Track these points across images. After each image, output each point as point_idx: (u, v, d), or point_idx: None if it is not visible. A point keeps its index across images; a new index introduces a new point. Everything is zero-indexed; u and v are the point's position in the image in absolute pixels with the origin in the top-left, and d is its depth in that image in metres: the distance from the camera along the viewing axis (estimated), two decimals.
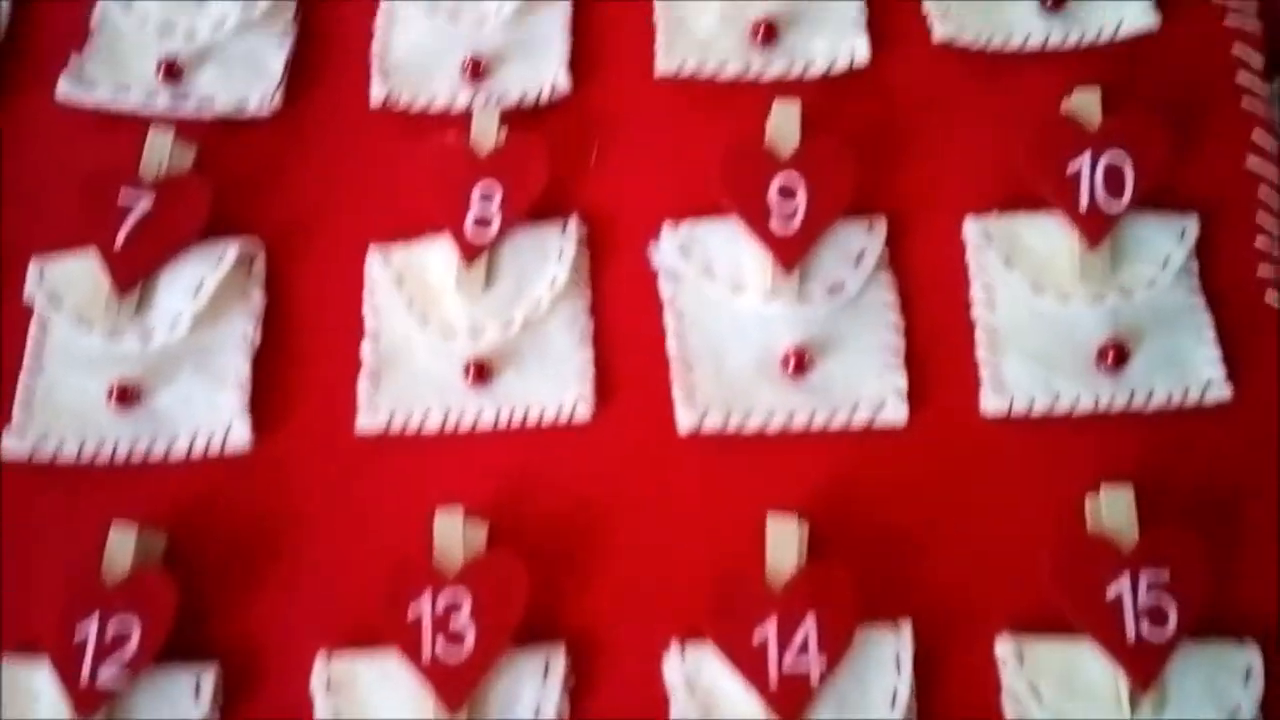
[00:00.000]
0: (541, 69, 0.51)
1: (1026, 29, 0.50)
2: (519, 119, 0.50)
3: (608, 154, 0.50)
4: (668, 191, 0.49)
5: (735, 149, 0.48)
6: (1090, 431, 0.46)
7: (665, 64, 0.50)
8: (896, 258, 0.48)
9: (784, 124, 0.48)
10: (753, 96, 0.50)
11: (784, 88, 0.50)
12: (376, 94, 0.51)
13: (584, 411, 0.47)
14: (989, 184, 0.49)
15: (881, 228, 0.48)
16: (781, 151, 0.48)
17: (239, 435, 0.47)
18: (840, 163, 0.47)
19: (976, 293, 0.48)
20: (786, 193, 0.47)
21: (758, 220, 0.47)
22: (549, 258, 0.48)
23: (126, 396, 0.47)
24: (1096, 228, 0.47)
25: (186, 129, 0.51)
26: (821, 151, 0.47)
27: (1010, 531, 0.45)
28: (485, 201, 0.48)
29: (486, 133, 0.50)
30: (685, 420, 0.46)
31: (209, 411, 0.47)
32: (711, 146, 0.49)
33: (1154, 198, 0.47)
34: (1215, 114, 0.50)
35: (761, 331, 0.47)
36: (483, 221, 0.47)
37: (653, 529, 0.46)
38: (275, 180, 0.51)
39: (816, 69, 0.50)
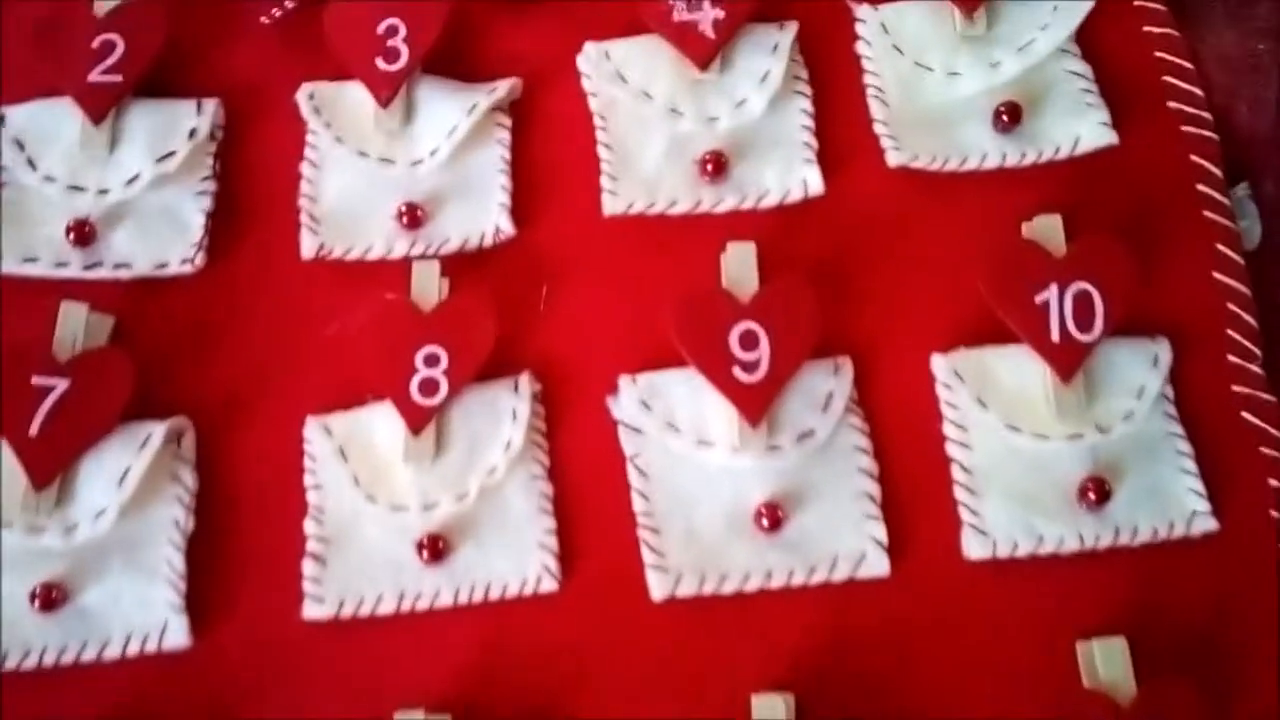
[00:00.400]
0: (482, 212, 0.49)
1: (981, 150, 0.49)
2: (461, 266, 0.48)
3: (557, 300, 0.48)
4: (624, 339, 0.47)
5: (691, 295, 0.45)
6: (1076, 570, 0.45)
7: (613, 205, 0.48)
8: (865, 398, 0.46)
9: (740, 266, 0.46)
10: (706, 232, 0.48)
11: (737, 220, 0.48)
12: (307, 246, 0.48)
13: (549, 583, 0.44)
14: (954, 315, 0.47)
15: (848, 369, 0.46)
16: (740, 294, 0.45)
17: (176, 634, 0.43)
18: (801, 305, 0.45)
19: (950, 431, 0.46)
20: (748, 341, 0.45)
21: (720, 372, 0.44)
22: (502, 420, 0.45)
23: (51, 598, 0.43)
24: (1069, 361, 0.45)
25: (102, 295, 0.48)
26: (781, 294, 0.45)
27: (1000, 675, 0.44)
28: (430, 366, 0.45)
29: (428, 289, 0.47)
30: (658, 588, 0.43)
31: (141, 610, 0.43)
32: (667, 288, 0.47)
33: (1122, 320, 0.47)
34: (1178, 226, 0.49)
35: (731, 486, 0.45)
36: (429, 387, 0.45)
37: (629, 705, 0.43)
38: (202, 346, 0.48)
39: (770, 200, 0.48)
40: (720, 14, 0.49)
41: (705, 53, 0.49)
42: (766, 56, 0.50)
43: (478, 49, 0.52)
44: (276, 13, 0.51)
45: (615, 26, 0.51)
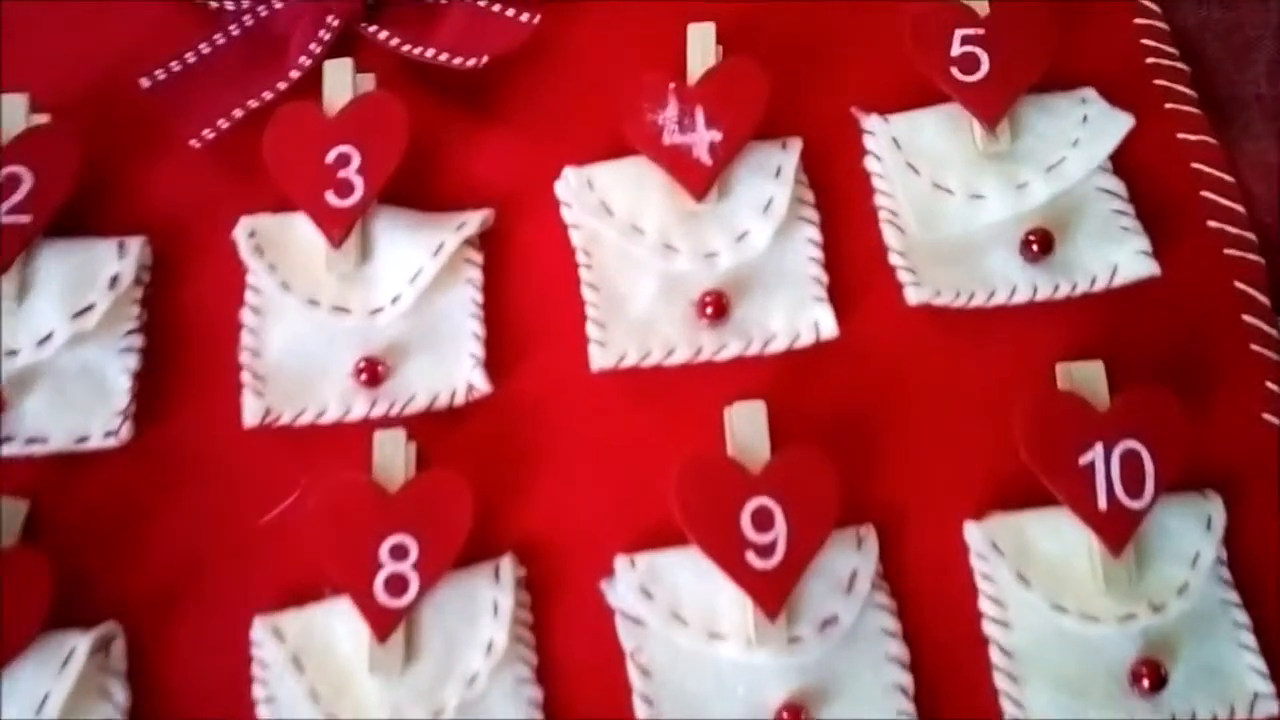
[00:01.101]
0: (452, 366, 0.43)
1: (1010, 282, 0.44)
2: (430, 428, 0.42)
3: (542, 470, 0.42)
4: (619, 513, 0.41)
5: (696, 465, 0.40)
6: None
7: (603, 357, 0.42)
8: (891, 572, 0.41)
9: (749, 429, 0.41)
10: (708, 383, 0.43)
11: (742, 368, 0.43)
12: (251, 411, 0.42)
13: None
14: (987, 473, 0.42)
15: (872, 542, 0.41)
16: (750, 463, 0.40)
17: None
18: (820, 475, 0.40)
19: (987, 608, 0.41)
20: (762, 520, 0.39)
21: (732, 557, 0.39)
22: (481, 616, 0.39)
23: None
24: (1119, 532, 0.40)
25: (13, 476, 0.41)
26: (797, 464, 0.40)
27: None
28: (398, 558, 0.40)
29: (392, 462, 0.41)
30: None
31: None
32: (666, 453, 0.41)
33: (1173, 481, 0.41)
34: (1224, 363, 0.44)
35: (747, 685, 0.39)
36: (396, 585, 0.38)
37: None
38: (131, 534, 0.41)
39: (777, 345, 0.43)
40: (717, 136, 0.43)
41: (701, 182, 0.43)
42: (769, 182, 0.44)
43: (443, 174, 0.46)
44: (209, 134, 0.45)
45: (598, 147, 0.45)
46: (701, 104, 0.44)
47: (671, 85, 0.44)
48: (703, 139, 0.43)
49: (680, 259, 0.43)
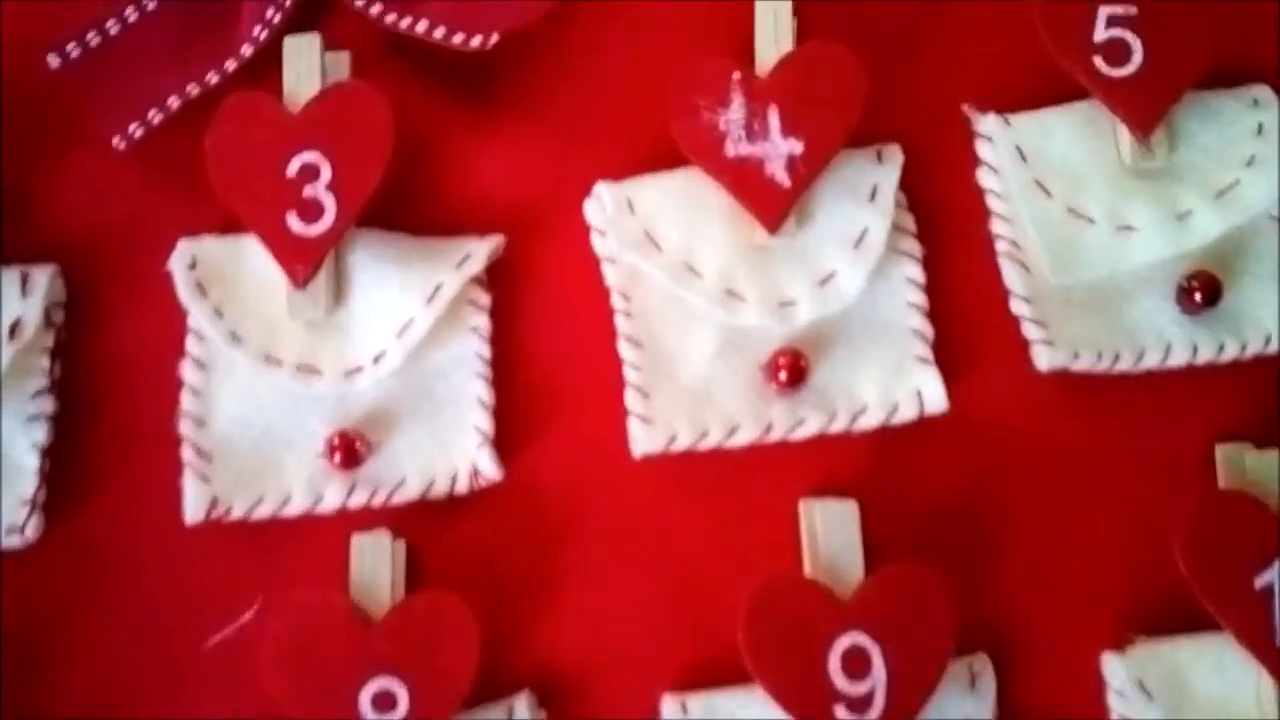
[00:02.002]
0: (452, 442, 0.33)
1: (1163, 339, 0.34)
2: (422, 523, 0.33)
3: (567, 580, 0.33)
4: (665, 639, 0.32)
5: (767, 594, 0.30)
6: None
7: (647, 440, 0.33)
8: (1009, 712, 0.33)
9: (837, 540, 0.32)
10: (780, 469, 0.33)
11: (824, 450, 0.33)
12: (194, 501, 0.32)
13: None
14: (1131, 592, 0.33)
15: (988, 680, 0.32)
16: (837, 587, 0.31)
17: None
18: (931, 604, 0.31)
19: None
20: (855, 663, 0.30)
21: (816, 710, 0.30)
22: None
23: None
24: None
25: None
26: (901, 587, 0.31)
27: None
28: (382, 711, 0.31)
29: (375, 579, 0.31)
30: None
31: None
32: (725, 562, 0.33)
33: None
34: None
35: None
36: None
37: None
38: (43, 657, 0.32)
39: (870, 420, 0.33)
40: (796, 148, 0.33)
41: (776, 210, 0.33)
42: (861, 207, 0.34)
43: (439, 186, 0.36)
44: (136, 130, 0.34)
45: (639, 153, 0.35)
46: (776, 103, 0.34)
47: (736, 75, 0.34)
48: (778, 151, 0.33)
49: (747, 310, 0.33)
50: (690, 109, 0.34)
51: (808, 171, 0.33)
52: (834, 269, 0.34)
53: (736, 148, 0.34)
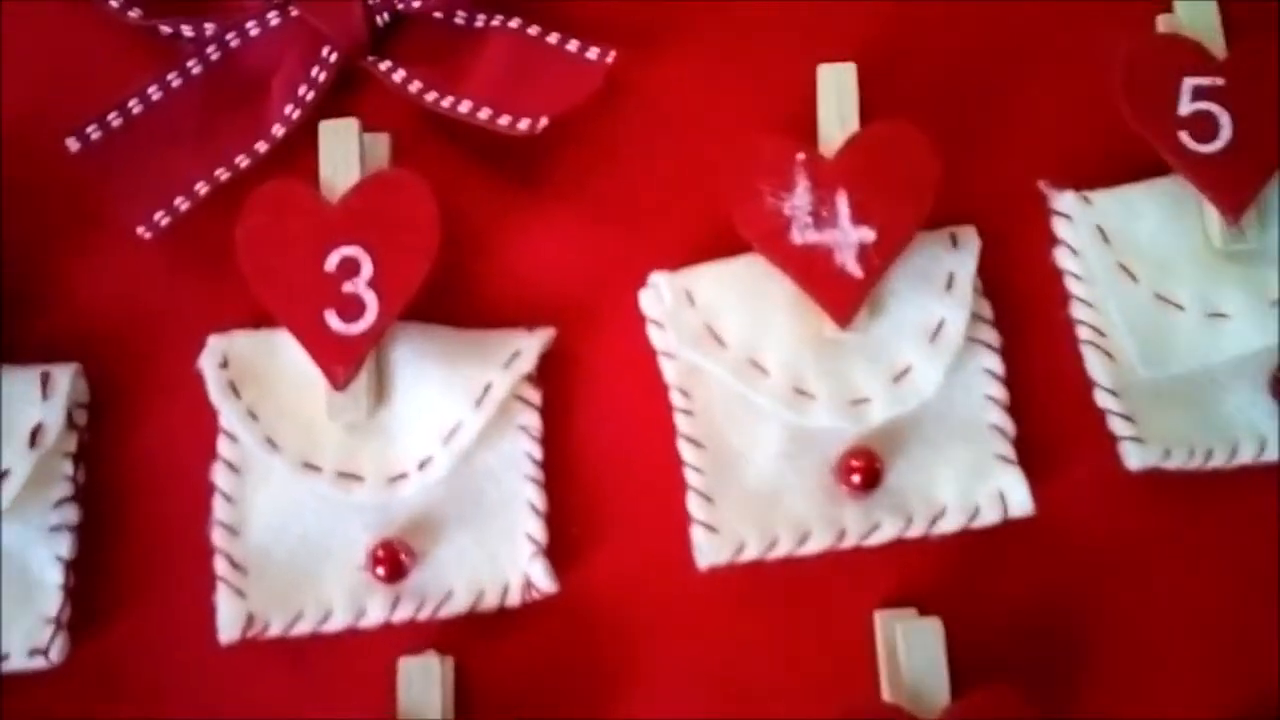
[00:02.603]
0: (503, 552, 0.31)
1: (1256, 434, 0.32)
2: (471, 638, 0.31)
3: (627, 701, 0.30)
4: None
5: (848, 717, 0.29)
6: None
7: (712, 551, 0.30)
8: None
9: (919, 659, 0.29)
10: (854, 580, 0.31)
11: (899, 556, 0.31)
12: (229, 617, 0.30)
13: None
14: (1238, 699, 0.31)
15: None
16: (923, 709, 0.28)
17: None
18: None
19: None
20: None
21: None
22: None
23: None
24: None
25: None
26: (989, 712, 0.29)
27: None
28: None
29: (424, 706, 0.29)
30: None
31: None
32: (797, 682, 0.30)
33: None
34: None
35: None
36: None
37: None
38: None
39: (948, 524, 0.31)
40: (869, 236, 0.31)
41: (849, 303, 0.31)
42: (938, 296, 0.32)
43: (486, 275, 0.34)
44: (162, 219, 0.32)
45: (694, 237, 0.33)
46: (845, 187, 0.32)
47: (800, 157, 0.32)
48: (848, 239, 0.31)
49: (817, 409, 0.31)
50: (751, 193, 0.32)
51: (880, 261, 0.31)
52: (909, 363, 0.32)
53: (803, 235, 0.31)
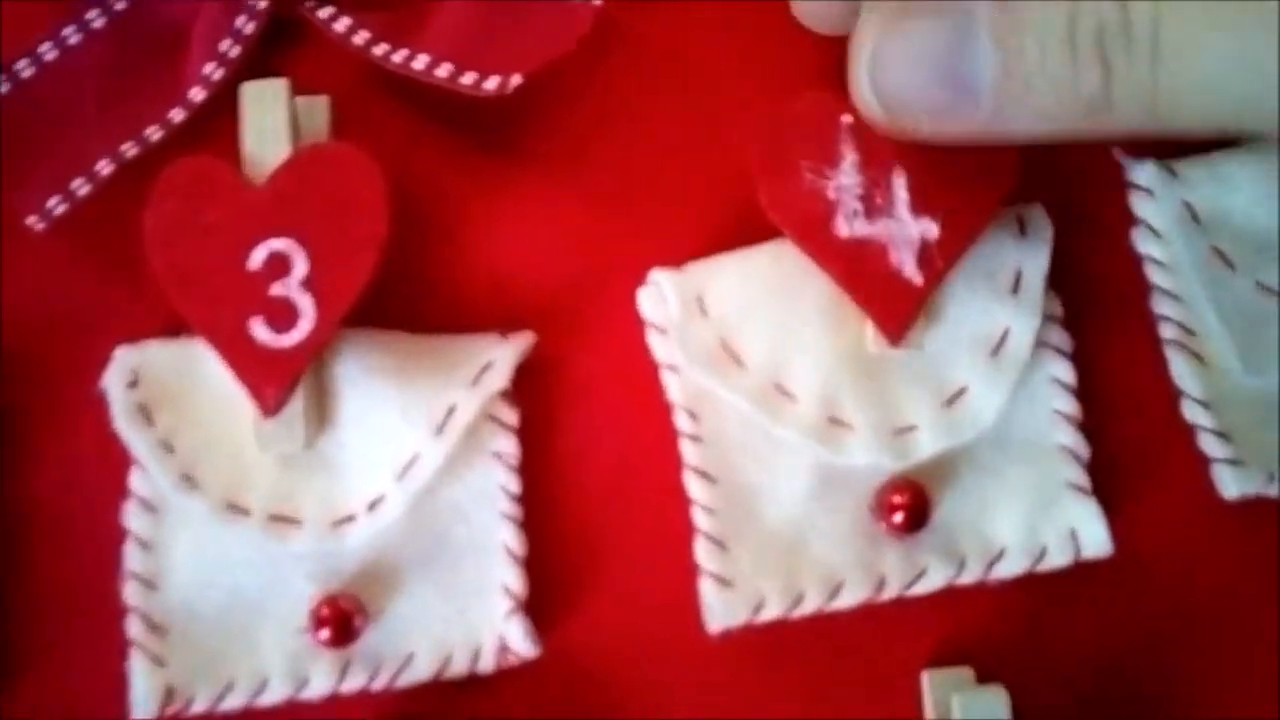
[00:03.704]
0: (473, 606, 0.26)
1: None
2: (435, 708, 0.26)
3: None
4: None
5: None
6: None
7: (726, 609, 0.25)
8: None
9: None
10: (899, 637, 0.26)
11: (953, 608, 0.26)
12: (145, 690, 0.25)
13: None
14: None
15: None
16: None
17: None
18: None
19: None
20: None
21: None
22: None
23: None
24: None
25: None
26: None
27: None
28: None
29: None
30: None
31: None
32: None
33: None
34: None
35: None
36: None
37: None
38: None
39: (1007, 569, 0.26)
40: (932, 230, 0.25)
41: (902, 314, 0.25)
42: (1001, 300, 0.26)
43: (453, 268, 0.28)
44: (56, 206, 0.26)
45: (711, 222, 0.27)
46: (903, 163, 0.25)
47: (846, 120, 0.26)
48: (906, 233, 0.25)
49: (854, 442, 0.25)
50: (785, 167, 0.26)
51: (945, 263, 0.25)
52: (964, 383, 0.26)
53: (851, 226, 0.25)
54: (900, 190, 0.25)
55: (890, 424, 0.26)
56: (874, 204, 0.25)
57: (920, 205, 0.25)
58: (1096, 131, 0.23)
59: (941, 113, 0.23)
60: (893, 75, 0.23)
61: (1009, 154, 0.25)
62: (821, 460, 0.26)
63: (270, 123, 0.26)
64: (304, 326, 0.25)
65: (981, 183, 0.25)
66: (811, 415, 0.25)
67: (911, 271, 0.25)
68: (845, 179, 0.25)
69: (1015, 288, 0.26)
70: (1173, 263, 0.28)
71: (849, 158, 0.25)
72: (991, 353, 0.26)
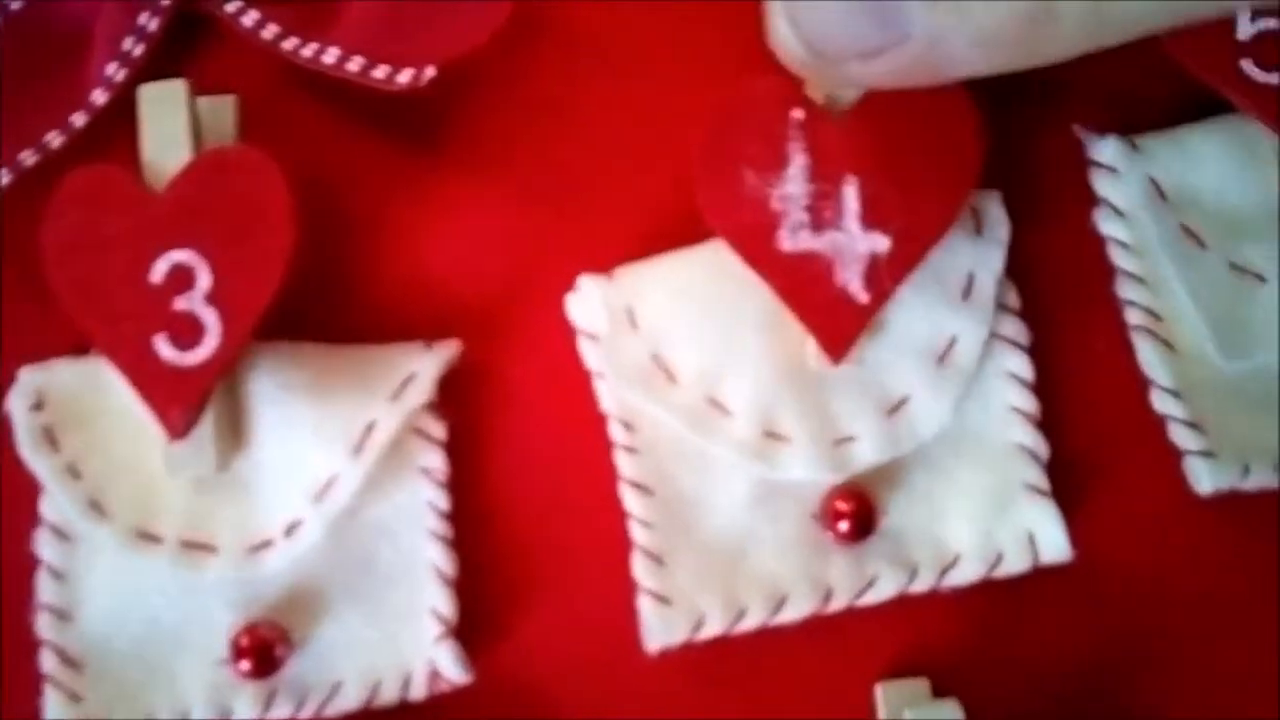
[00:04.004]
0: (402, 631, 0.24)
1: None
2: None
3: None
4: None
5: None
6: None
7: (664, 628, 0.23)
8: None
9: None
10: (849, 650, 0.24)
11: (904, 618, 0.24)
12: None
13: None
14: None
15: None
16: None
17: None
18: None
19: None
20: None
21: None
22: None
23: None
24: None
25: None
26: None
27: None
28: None
29: None
30: None
31: None
32: None
33: None
34: None
35: None
36: None
37: None
38: None
39: (962, 576, 0.24)
40: (882, 245, 0.23)
41: (845, 333, 0.23)
42: (951, 305, 0.24)
43: (373, 275, 0.26)
44: None
45: (647, 221, 0.26)
46: (856, 170, 0.24)
47: (796, 115, 0.24)
48: (855, 249, 0.24)
49: (791, 455, 0.24)
50: (727, 170, 0.24)
51: (893, 282, 0.24)
52: (907, 392, 0.24)
53: (795, 239, 0.24)
54: (851, 200, 0.24)
55: (829, 435, 0.24)
56: (822, 216, 0.24)
57: (871, 217, 0.24)
58: (1039, 52, 0.21)
59: (870, 49, 0.21)
60: (815, 10, 0.21)
61: (970, 155, 0.24)
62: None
63: (170, 127, 0.25)
64: (209, 343, 0.24)
65: (938, 192, 0.24)
66: (747, 431, 0.24)
67: (857, 289, 0.23)
68: (792, 187, 0.24)
69: (967, 292, 0.25)
70: (1139, 244, 0.26)
71: (797, 161, 0.24)
72: (937, 361, 0.24)
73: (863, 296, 0.23)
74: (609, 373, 0.24)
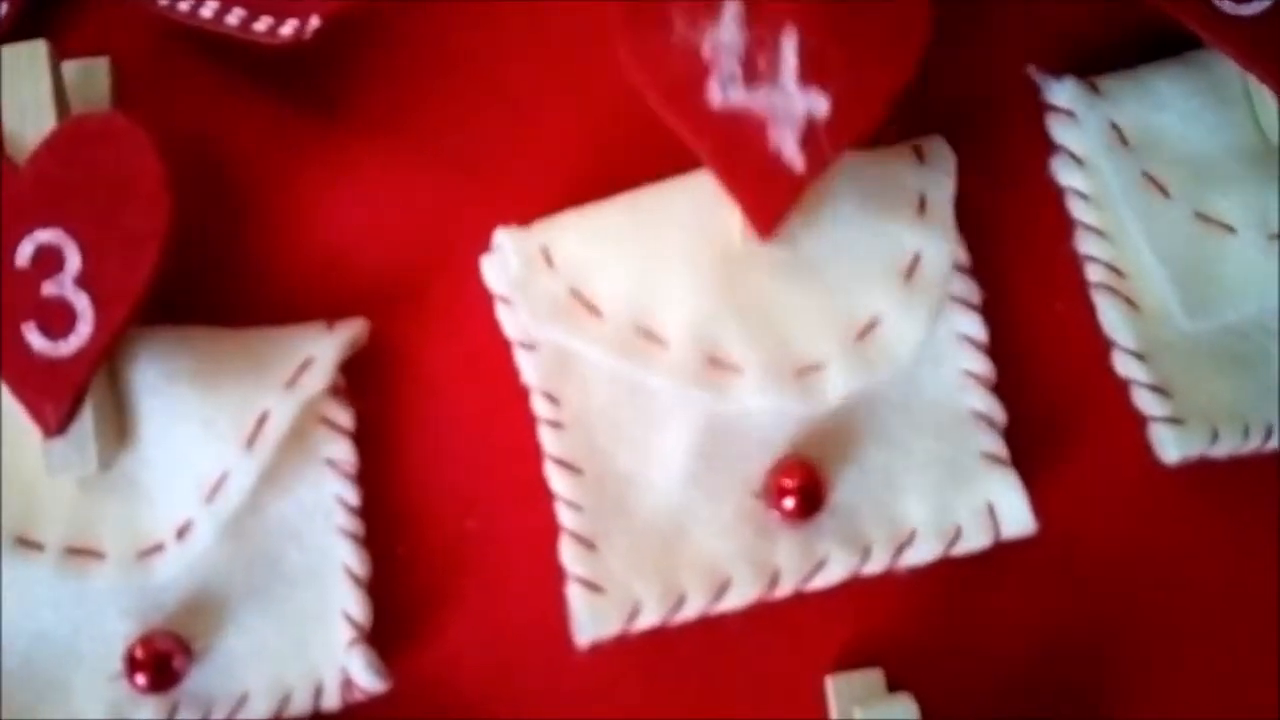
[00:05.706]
0: (312, 637, 0.22)
1: None
2: None
3: None
4: None
5: None
6: None
7: (595, 620, 0.22)
8: None
9: None
10: (798, 638, 0.23)
11: (858, 601, 0.23)
12: None
13: None
14: None
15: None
16: None
17: None
18: None
19: None
20: None
21: None
22: None
23: None
24: None
25: None
26: None
27: None
28: None
29: None
30: None
31: None
32: None
33: None
34: None
35: None
36: None
37: None
38: None
39: (918, 555, 0.23)
40: (821, 105, 0.21)
41: (775, 205, 0.21)
42: (907, 222, 0.23)
43: (269, 247, 0.24)
44: None
45: (568, 179, 0.23)
46: (797, 22, 0.21)
47: None
48: (791, 106, 0.21)
49: (744, 385, 0.22)
50: (653, 15, 0.21)
51: (832, 150, 0.21)
52: (876, 313, 0.22)
53: (726, 93, 0.21)
54: (789, 53, 0.21)
55: (790, 363, 0.22)
56: (756, 68, 0.21)
57: (810, 73, 0.21)
58: None
59: None
60: None
61: (919, 24, 0.21)
62: (700, 431, 0.22)
63: (31, 92, 0.22)
64: (82, 331, 0.22)
65: (882, 58, 0.21)
66: (686, 358, 0.22)
67: (792, 154, 0.21)
68: (725, 34, 0.21)
69: (921, 209, 0.23)
70: (1099, 194, 0.24)
71: (732, 6, 0.21)
72: (904, 277, 0.22)
73: (797, 164, 0.21)
74: (526, 314, 0.22)
